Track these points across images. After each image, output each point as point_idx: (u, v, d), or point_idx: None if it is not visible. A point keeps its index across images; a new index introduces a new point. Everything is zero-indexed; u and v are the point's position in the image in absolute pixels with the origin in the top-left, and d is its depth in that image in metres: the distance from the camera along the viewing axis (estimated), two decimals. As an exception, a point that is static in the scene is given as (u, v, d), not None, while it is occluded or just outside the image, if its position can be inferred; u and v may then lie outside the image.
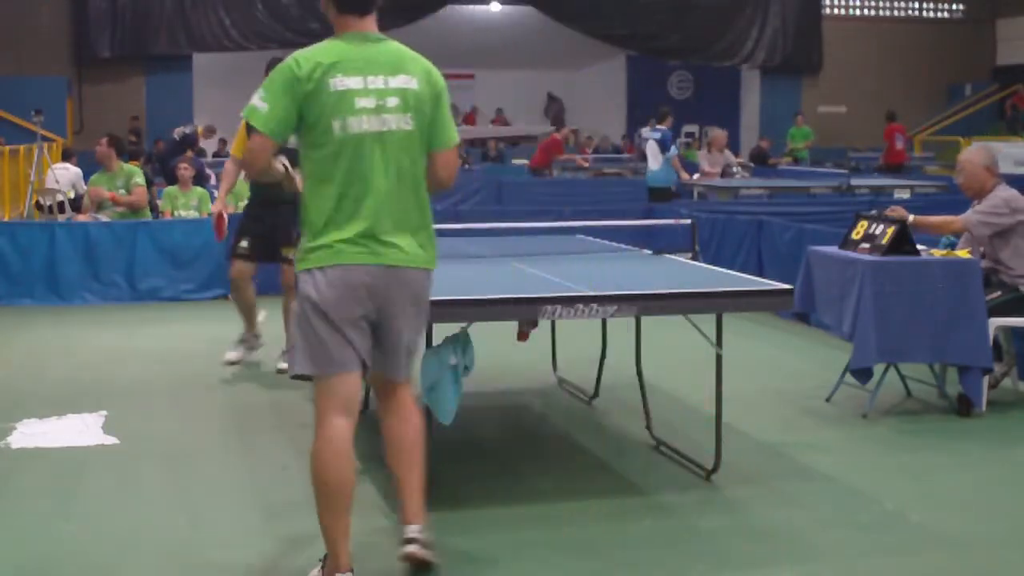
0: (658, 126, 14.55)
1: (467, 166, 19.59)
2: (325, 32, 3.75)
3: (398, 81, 3.55)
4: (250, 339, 7.37)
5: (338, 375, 3.58)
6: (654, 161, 14.12)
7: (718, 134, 15.76)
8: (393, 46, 3.63)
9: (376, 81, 3.52)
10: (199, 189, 11.44)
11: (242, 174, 6.98)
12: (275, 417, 6.06)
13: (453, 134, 3.72)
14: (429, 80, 3.62)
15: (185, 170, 11.35)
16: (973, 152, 6.34)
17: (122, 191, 10.66)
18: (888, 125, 20.21)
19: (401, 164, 3.55)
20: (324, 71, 3.49)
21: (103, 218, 10.51)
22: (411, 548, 3.73)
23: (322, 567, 3.69)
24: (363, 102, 3.49)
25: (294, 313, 3.70)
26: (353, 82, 3.50)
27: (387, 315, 3.61)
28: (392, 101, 3.53)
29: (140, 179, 10.89)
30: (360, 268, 3.52)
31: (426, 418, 4.44)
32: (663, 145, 13.95)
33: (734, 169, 14.88)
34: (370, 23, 3.65)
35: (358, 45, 3.58)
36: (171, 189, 11.46)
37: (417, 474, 3.80)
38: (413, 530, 3.76)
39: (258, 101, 3.52)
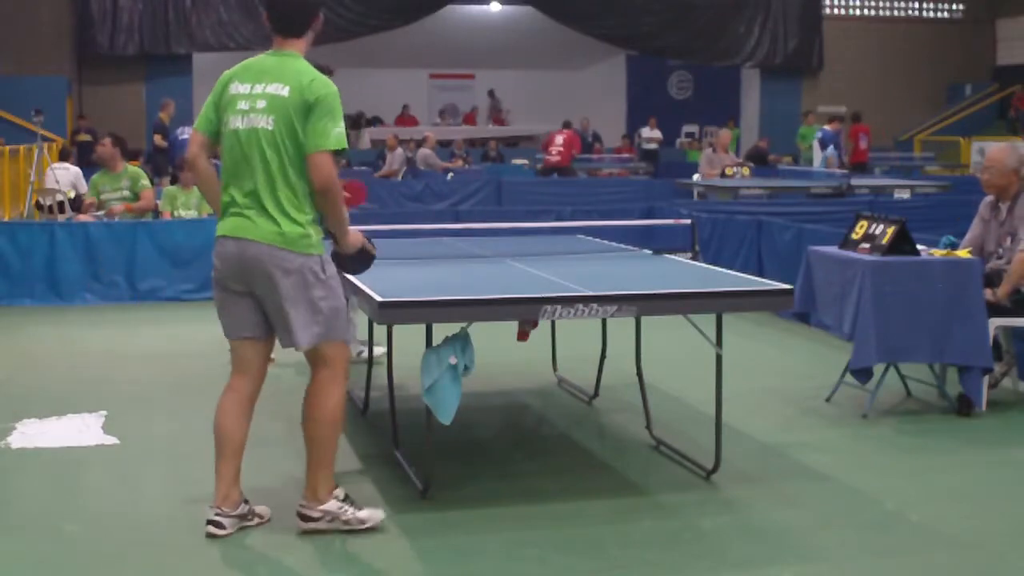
0: (825, 127, 14.79)
1: (467, 166, 19.59)
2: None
3: (272, 88, 4.06)
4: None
5: (233, 339, 4.25)
6: (817, 159, 14.43)
7: (723, 134, 15.78)
8: (288, 61, 4.13)
9: (257, 88, 4.10)
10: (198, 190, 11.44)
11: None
12: (275, 417, 6.05)
13: (322, 141, 4.00)
14: (301, 89, 4.03)
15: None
16: (1004, 152, 6.30)
17: (126, 192, 10.67)
18: (852, 125, 20.49)
19: (266, 157, 4.04)
20: (229, 79, 4.19)
21: (106, 218, 10.52)
22: (300, 523, 4.20)
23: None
24: (241, 104, 4.10)
25: None
26: (242, 88, 4.13)
27: (250, 286, 4.12)
28: (260, 103, 4.06)
29: (146, 181, 10.91)
30: (226, 240, 4.12)
31: (426, 417, 4.46)
32: (823, 144, 14.20)
33: (734, 169, 14.87)
34: (292, 44, 4.18)
35: (265, 59, 4.20)
36: (171, 189, 11.43)
37: (309, 451, 4.20)
38: (300, 504, 4.22)
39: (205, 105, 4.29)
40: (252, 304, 4.17)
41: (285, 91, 4.03)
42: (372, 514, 4.26)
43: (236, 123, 4.09)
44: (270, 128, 4.03)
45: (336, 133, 3.99)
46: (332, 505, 4.20)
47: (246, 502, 4.29)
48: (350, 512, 4.21)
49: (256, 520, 4.30)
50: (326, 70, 6.23)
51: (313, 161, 4.00)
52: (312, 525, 4.20)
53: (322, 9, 4.25)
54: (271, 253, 4.02)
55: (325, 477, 4.17)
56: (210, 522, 4.18)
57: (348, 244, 4.20)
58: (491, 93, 26.95)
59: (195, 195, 11.24)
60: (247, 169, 4.06)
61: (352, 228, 4.24)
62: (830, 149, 14.04)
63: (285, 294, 4.02)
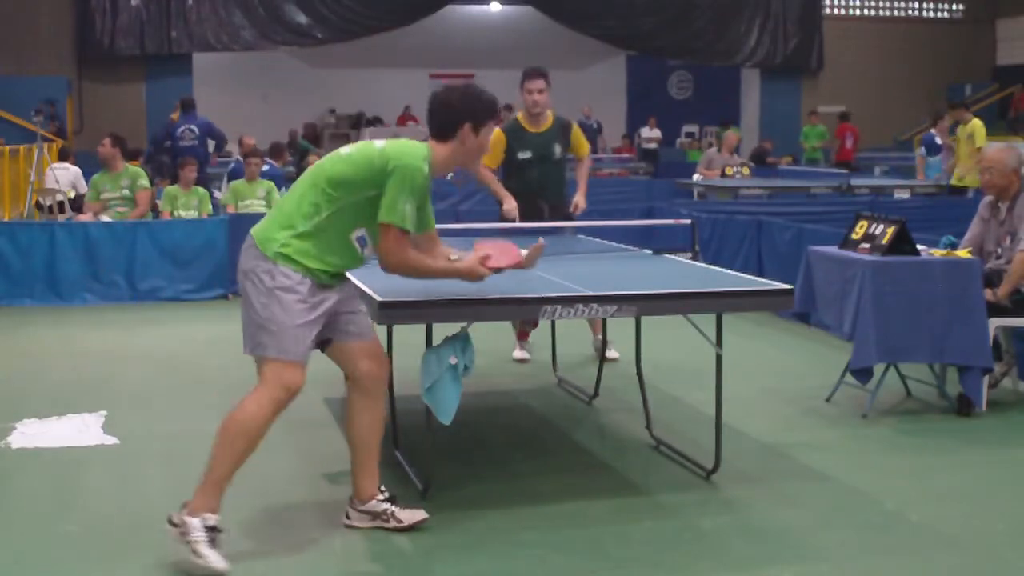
0: (932, 130, 14.88)
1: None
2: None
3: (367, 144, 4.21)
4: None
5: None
6: (922, 166, 14.65)
7: (730, 135, 15.78)
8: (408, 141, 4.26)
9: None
10: (200, 189, 11.43)
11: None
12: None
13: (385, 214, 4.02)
14: (377, 152, 4.08)
15: (190, 171, 11.34)
16: (1004, 152, 6.29)
17: (126, 192, 10.69)
18: (840, 124, 20.59)
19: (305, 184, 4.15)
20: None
21: (105, 218, 10.53)
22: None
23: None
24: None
25: None
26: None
27: None
28: (345, 150, 4.20)
29: (145, 181, 10.92)
30: None
31: (426, 417, 4.46)
32: (930, 150, 14.35)
33: (734, 169, 14.87)
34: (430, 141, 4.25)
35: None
36: (171, 189, 11.44)
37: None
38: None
39: None
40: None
41: (370, 149, 4.14)
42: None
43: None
44: (331, 165, 4.16)
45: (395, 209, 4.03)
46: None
47: (389, 501, 4.30)
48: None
49: (393, 523, 4.26)
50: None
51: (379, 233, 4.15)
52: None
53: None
54: (255, 254, 4.07)
55: (210, 486, 3.99)
56: (345, 511, 4.35)
57: (468, 275, 4.23)
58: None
59: (195, 195, 11.25)
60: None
61: (464, 262, 4.25)
62: (921, 150, 14.09)
63: (249, 301, 4.05)
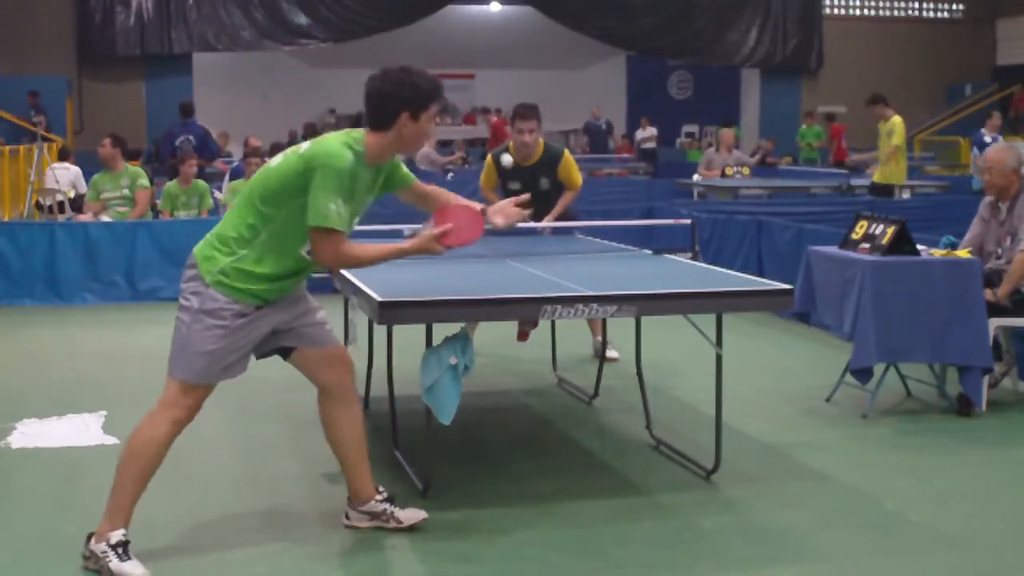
0: (982, 129, 14.93)
1: (467, 166, 19.59)
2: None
3: (301, 146, 4.08)
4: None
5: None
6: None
7: (726, 134, 15.79)
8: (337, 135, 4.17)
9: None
10: (200, 183, 11.41)
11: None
12: (276, 417, 6.06)
13: (313, 216, 3.90)
14: (311, 148, 4.02)
15: (190, 167, 11.32)
16: (1004, 152, 6.29)
17: (126, 192, 10.69)
18: (833, 126, 20.64)
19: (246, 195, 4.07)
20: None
21: (105, 218, 10.53)
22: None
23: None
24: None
25: None
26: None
27: None
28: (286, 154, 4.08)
29: (144, 181, 10.91)
30: None
31: (426, 417, 4.46)
32: (976, 144, 14.41)
33: (734, 169, 14.87)
34: (367, 133, 4.17)
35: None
36: (171, 186, 11.38)
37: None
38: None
39: None
40: None
41: (302, 148, 4.07)
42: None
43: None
44: (273, 165, 4.08)
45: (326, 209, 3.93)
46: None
47: (387, 501, 4.29)
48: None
49: (393, 523, 4.25)
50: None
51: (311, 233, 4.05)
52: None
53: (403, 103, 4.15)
54: (194, 274, 4.14)
55: (113, 510, 3.90)
56: (344, 511, 4.34)
57: (420, 253, 4.09)
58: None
59: (196, 191, 11.24)
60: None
61: (403, 243, 4.16)
62: (975, 151, 14.07)
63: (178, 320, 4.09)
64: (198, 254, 4.05)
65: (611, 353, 7.00)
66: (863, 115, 22.80)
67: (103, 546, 3.86)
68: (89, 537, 3.93)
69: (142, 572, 3.81)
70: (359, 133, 4.08)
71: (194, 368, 3.95)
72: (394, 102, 4.08)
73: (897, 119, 13.10)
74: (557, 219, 7.05)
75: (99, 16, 21.94)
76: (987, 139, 15.14)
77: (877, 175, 13.38)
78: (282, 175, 3.93)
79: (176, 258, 10.02)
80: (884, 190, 13.18)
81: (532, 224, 6.87)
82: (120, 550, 3.84)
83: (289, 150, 4.09)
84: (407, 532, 4.25)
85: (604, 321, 6.49)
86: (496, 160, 7.10)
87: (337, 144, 3.96)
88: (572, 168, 7.12)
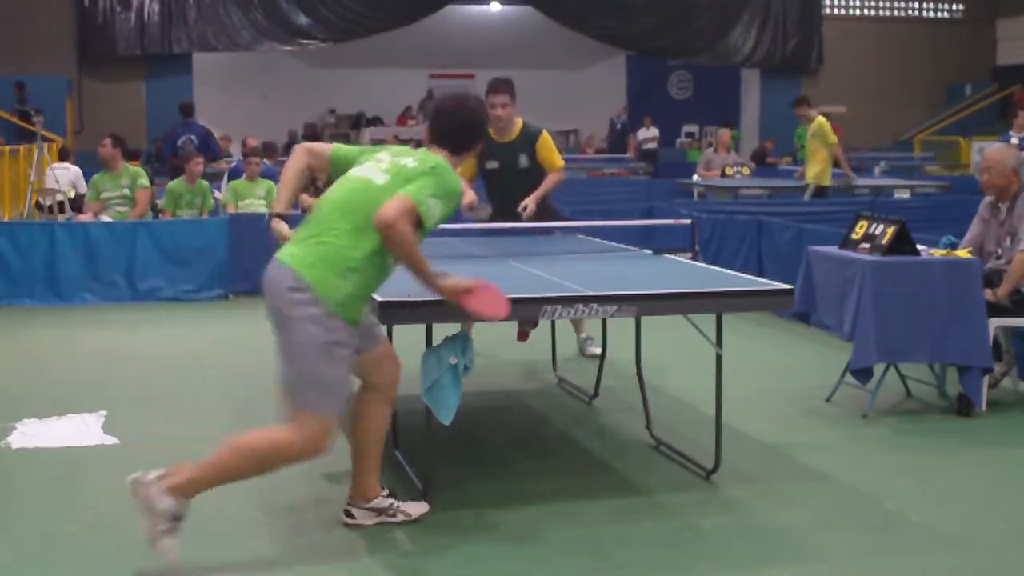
0: (1011, 131, 14.87)
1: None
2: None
3: (403, 160, 4.07)
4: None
5: None
6: None
7: (723, 133, 15.79)
8: (429, 155, 4.14)
9: (391, 158, 4.12)
10: (204, 183, 11.42)
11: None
12: (276, 417, 6.05)
13: (413, 192, 3.93)
14: (424, 162, 4.04)
15: (196, 165, 11.32)
16: (1001, 152, 6.29)
17: (127, 191, 10.69)
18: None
19: (348, 203, 4.01)
20: (379, 149, 4.29)
21: (105, 218, 10.53)
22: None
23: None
24: (368, 160, 4.16)
25: None
26: (383, 155, 4.18)
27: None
28: (384, 164, 4.08)
29: (145, 181, 10.92)
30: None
31: (426, 417, 4.46)
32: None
33: (734, 169, 14.88)
34: (445, 156, 4.18)
35: (416, 151, 4.22)
36: (176, 184, 11.35)
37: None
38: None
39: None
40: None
41: (411, 162, 4.04)
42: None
43: (353, 171, 4.12)
44: (379, 182, 3.98)
45: (429, 203, 3.91)
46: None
47: (392, 496, 4.35)
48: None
49: (401, 517, 4.32)
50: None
51: (396, 198, 3.90)
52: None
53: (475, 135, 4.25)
54: (293, 278, 3.97)
55: (194, 482, 3.96)
56: (344, 510, 4.35)
57: (445, 293, 4.06)
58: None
59: (199, 193, 11.24)
60: (330, 205, 4.03)
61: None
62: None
63: (282, 336, 4.02)
64: (312, 278, 3.85)
65: (594, 349, 7.05)
66: (864, 115, 22.88)
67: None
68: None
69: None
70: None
71: (341, 400, 3.95)
72: (479, 131, 4.25)
73: (821, 119, 13.07)
74: (540, 218, 6.95)
75: (99, 16, 21.94)
76: (1014, 140, 15.09)
77: (809, 176, 13.31)
78: (393, 192, 3.90)
79: (176, 258, 10.04)
80: (811, 189, 13.19)
81: (519, 209, 6.83)
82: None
83: (389, 165, 4.05)
84: (407, 532, 4.25)
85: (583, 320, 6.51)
86: None
87: (451, 167, 4.06)
88: (551, 148, 6.99)
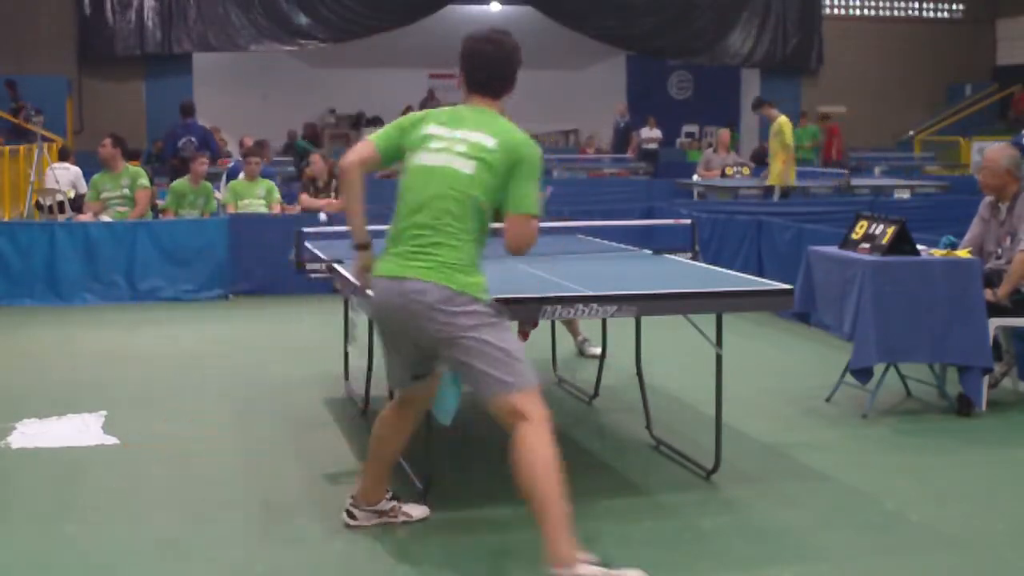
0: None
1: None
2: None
3: (475, 136, 3.88)
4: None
5: (400, 386, 4.20)
6: None
7: (722, 133, 15.80)
8: (490, 116, 3.96)
9: (457, 133, 3.91)
10: (207, 185, 11.42)
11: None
12: (276, 417, 6.06)
13: (525, 204, 3.84)
14: (507, 147, 3.85)
15: (201, 165, 11.32)
16: (997, 152, 6.30)
17: (127, 191, 10.69)
18: (830, 126, 20.99)
19: (452, 198, 3.84)
20: (422, 119, 4.04)
21: (105, 218, 10.53)
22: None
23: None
24: (435, 144, 3.91)
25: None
26: (440, 131, 3.94)
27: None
28: (460, 147, 3.87)
29: (145, 181, 10.92)
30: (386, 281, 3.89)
31: (426, 417, 4.46)
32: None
33: (734, 169, 14.88)
34: (488, 104, 4.00)
35: (465, 109, 4.02)
36: (181, 184, 11.33)
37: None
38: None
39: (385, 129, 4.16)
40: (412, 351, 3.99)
41: (491, 143, 3.85)
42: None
43: (427, 159, 3.90)
44: (468, 172, 3.83)
45: (537, 198, 3.86)
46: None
47: (394, 499, 4.34)
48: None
49: (402, 518, 4.33)
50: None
51: (512, 222, 3.86)
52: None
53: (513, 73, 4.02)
54: (441, 290, 3.82)
55: (558, 534, 3.69)
56: (345, 511, 4.32)
57: None
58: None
59: (203, 193, 11.23)
60: (428, 205, 3.85)
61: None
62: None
63: (459, 349, 3.82)
64: (460, 285, 3.78)
65: (594, 350, 7.08)
66: (864, 115, 22.86)
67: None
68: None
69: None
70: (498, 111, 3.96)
71: (529, 369, 3.83)
72: (515, 69, 4.02)
73: (783, 120, 13.07)
74: None
75: (99, 16, 21.92)
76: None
77: (772, 177, 13.34)
78: (486, 183, 3.81)
79: (176, 258, 10.04)
80: (776, 191, 13.20)
81: None
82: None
83: (459, 149, 3.87)
84: (407, 532, 4.25)
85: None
86: None
87: (522, 132, 3.91)
88: None
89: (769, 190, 13.29)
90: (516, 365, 3.78)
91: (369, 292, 4.04)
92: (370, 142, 4.05)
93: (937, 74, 26.55)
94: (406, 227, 3.88)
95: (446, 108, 4.11)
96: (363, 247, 4.10)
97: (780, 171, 13.01)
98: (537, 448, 3.72)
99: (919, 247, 6.10)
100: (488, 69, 3.99)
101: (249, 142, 14.57)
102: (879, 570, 4.00)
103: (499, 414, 3.80)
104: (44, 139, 15.68)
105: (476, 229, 3.87)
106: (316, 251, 5.92)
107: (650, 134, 23.76)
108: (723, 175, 14.78)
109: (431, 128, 3.96)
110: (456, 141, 3.88)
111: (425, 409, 4.21)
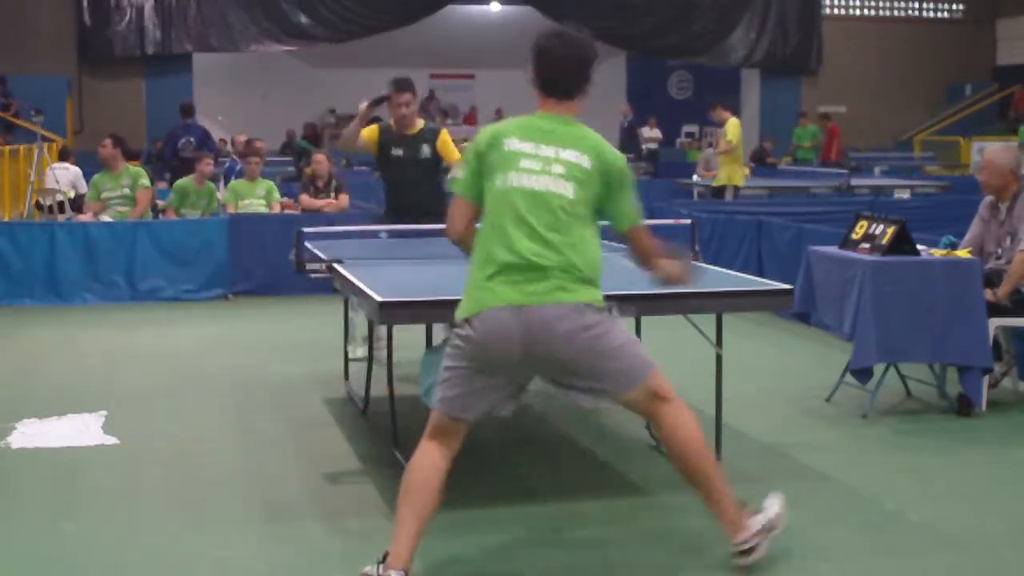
0: None
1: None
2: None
3: (568, 155, 3.75)
4: None
5: (458, 417, 3.91)
6: None
7: (721, 133, 15.80)
8: (577, 130, 3.83)
9: (546, 150, 3.75)
10: (211, 186, 11.42)
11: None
12: (276, 417, 6.06)
13: (633, 216, 3.87)
14: (603, 166, 3.77)
15: (207, 165, 11.33)
16: (999, 152, 6.29)
17: (127, 191, 10.69)
18: (830, 126, 21.08)
19: (549, 225, 3.69)
20: (501, 135, 3.80)
21: (105, 218, 10.53)
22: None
23: (380, 563, 3.67)
24: (527, 163, 3.73)
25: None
26: (525, 147, 3.76)
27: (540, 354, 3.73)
28: (557, 168, 3.72)
29: (145, 181, 10.91)
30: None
31: (426, 418, 4.45)
32: None
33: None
34: (566, 107, 3.86)
35: (542, 121, 3.84)
36: (185, 183, 11.32)
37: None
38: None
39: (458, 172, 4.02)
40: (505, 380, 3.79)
41: (586, 163, 3.74)
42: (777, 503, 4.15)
43: (522, 181, 3.71)
44: (570, 196, 3.70)
45: (638, 206, 3.87)
46: (755, 521, 3.99)
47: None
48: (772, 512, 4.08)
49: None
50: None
51: (631, 235, 3.92)
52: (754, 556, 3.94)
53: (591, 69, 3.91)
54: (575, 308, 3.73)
55: (725, 506, 3.88)
56: None
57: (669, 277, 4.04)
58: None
59: (206, 194, 11.23)
60: (523, 234, 3.67)
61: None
62: None
63: (585, 348, 3.73)
64: (591, 298, 3.72)
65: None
66: (864, 115, 22.86)
67: (759, 516, 3.97)
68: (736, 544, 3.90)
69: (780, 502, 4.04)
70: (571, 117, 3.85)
71: (641, 346, 3.91)
72: (587, 65, 3.91)
73: (733, 120, 13.10)
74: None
75: (99, 16, 21.94)
76: None
77: (721, 179, 13.41)
78: (588, 200, 3.73)
79: (176, 258, 10.04)
80: (719, 192, 13.24)
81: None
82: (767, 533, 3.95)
83: (557, 170, 3.72)
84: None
85: None
86: (382, 129, 7.32)
87: (606, 142, 3.84)
88: (450, 144, 7.30)
89: (719, 191, 13.37)
90: (638, 348, 3.87)
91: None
92: (461, 200, 3.85)
93: (937, 74, 26.56)
94: (519, 251, 3.66)
95: (522, 119, 3.87)
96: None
97: (729, 171, 13.11)
98: (684, 427, 3.83)
99: (919, 247, 6.09)
100: (570, 73, 3.87)
101: (241, 139, 14.57)
102: (879, 570, 4.00)
103: (637, 404, 3.84)
104: (44, 139, 15.67)
105: (586, 240, 3.76)
106: (316, 251, 5.92)
107: (650, 134, 23.76)
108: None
109: (514, 144, 3.77)
110: (551, 161, 3.72)
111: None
